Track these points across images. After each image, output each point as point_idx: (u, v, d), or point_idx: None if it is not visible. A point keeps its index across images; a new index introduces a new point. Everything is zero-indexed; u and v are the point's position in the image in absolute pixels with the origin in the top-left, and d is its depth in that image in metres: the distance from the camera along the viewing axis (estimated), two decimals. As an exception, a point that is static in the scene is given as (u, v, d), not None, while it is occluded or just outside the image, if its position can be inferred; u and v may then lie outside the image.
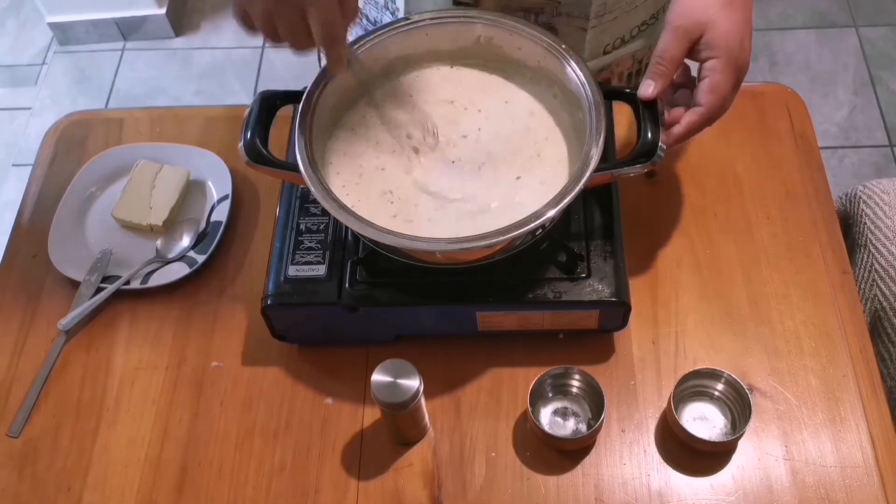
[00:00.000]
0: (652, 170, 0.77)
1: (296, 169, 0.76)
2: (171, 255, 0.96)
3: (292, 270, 0.84)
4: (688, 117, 0.77)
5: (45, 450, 0.86)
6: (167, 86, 2.38)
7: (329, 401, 0.88)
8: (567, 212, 0.79)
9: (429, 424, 0.85)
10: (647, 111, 0.78)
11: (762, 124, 1.04)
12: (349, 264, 0.84)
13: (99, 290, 0.94)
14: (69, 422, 0.88)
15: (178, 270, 0.95)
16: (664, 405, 0.85)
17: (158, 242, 0.97)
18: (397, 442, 0.85)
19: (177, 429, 0.87)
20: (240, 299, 0.94)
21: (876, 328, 0.95)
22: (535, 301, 0.82)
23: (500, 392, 0.87)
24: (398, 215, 0.79)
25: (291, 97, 0.82)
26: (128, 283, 0.94)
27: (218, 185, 1.01)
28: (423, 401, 0.79)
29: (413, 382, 0.75)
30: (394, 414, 0.77)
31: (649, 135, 0.77)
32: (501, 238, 0.72)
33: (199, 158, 1.03)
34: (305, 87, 0.81)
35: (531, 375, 0.82)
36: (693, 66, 0.80)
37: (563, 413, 0.84)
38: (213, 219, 0.99)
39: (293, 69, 2.37)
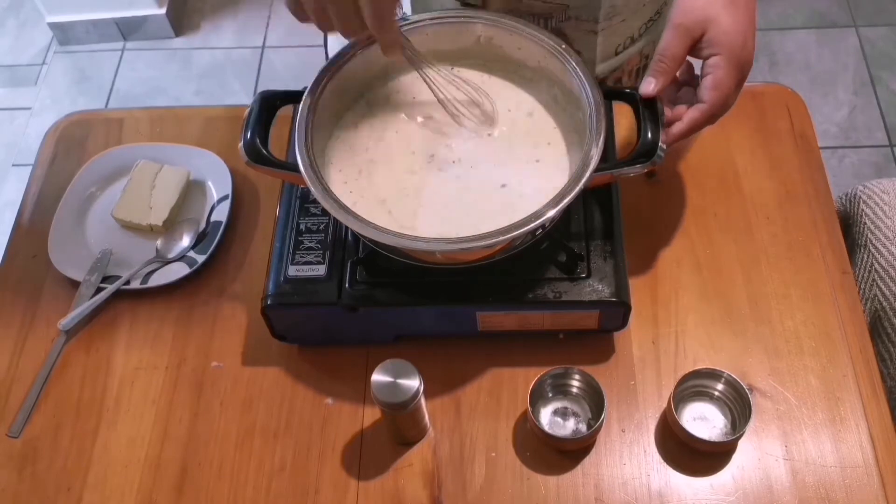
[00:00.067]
0: (652, 170, 0.77)
1: (296, 169, 0.76)
2: (171, 255, 0.96)
3: (292, 270, 0.84)
4: (690, 114, 0.77)
5: (45, 450, 0.86)
6: (167, 86, 2.38)
7: (329, 401, 0.88)
8: (567, 212, 0.79)
9: (429, 424, 0.85)
10: (647, 111, 0.78)
11: (762, 124, 1.04)
12: (349, 264, 0.84)
13: (99, 290, 0.94)
14: (69, 422, 0.88)
15: (178, 270, 0.95)
16: (664, 405, 0.85)
17: (158, 242, 0.97)
18: (397, 442, 0.85)
19: (177, 429, 0.87)
20: (240, 299, 0.94)
21: (876, 328, 0.95)
22: (535, 301, 0.82)
23: (500, 392, 0.87)
24: (399, 215, 0.79)
25: (291, 97, 0.82)
26: (128, 283, 0.94)
27: (218, 185, 1.01)
28: (423, 401, 0.79)
29: (413, 382, 0.75)
30: (394, 414, 0.77)
31: (649, 135, 0.77)
32: (501, 238, 0.72)
33: (199, 158, 1.03)
34: (305, 87, 0.81)
35: (531, 375, 0.82)
36: (696, 64, 0.80)
37: (563, 413, 0.84)
38: (213, 219, 0.99)
39: (293, 69, 2.37)
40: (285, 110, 0.83)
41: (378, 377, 0.75)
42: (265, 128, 0.80)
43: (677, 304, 0.91)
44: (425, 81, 0.82)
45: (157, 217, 0.98)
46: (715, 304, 0.91)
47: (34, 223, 1.02)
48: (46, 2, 2.36)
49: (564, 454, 0.83)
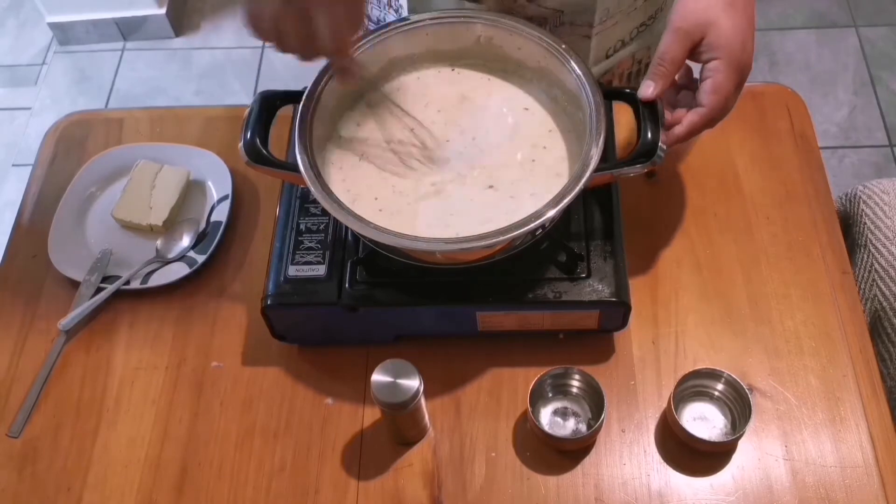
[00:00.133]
0: (652, 170, 0.77)
1: (296, 169, 0.76)
2: (171, 255, 0.96)
3: (292, 270, 0.84)
4: (690, 117, 0.77)
5: (45, 450, 0.86)
6: (167, 86, 2.38)
7: (329, 401, 0.88)
8: (567, 212, 0.79)
9: (429, 424, 0.85)
10: (648, 111, 0.78)
11: (762, 124, 1.04)
12: (349, 264, 0.84)
13: (99, 290, 0.94)
14: (69, 422, 0.88)
15: (178, 270, 0.95)
16: (664, 405, 0.85)
17: (158, 242, 0.97)
18: (397, 442, 0.85)
19: (177, 429, 0.87)
20: (240, 299, 0.94)
21: (876, 328, 0.95)
22: (535, 301, 0.82)
23: (500, 392, 0.87)
24: (399, 215, 0.79)
25: (291, 97, 0.82)
26: (128, 283, 0.94)
27: (218, 185, 1.01)
28: (423, 401, 0.79)
29: (413, 382, 0.75)
30: (394, 414, 0.77)
31: (649, 135, 0.77)
32: (501, 238, 0.72)
33: (199, 158, 1.03)
34: (305, 87, 0.82)
35: (531, 375, 0.82)
36: (695, 67, 0.80)
37: (563, 413, 0.84)
38: (213, 219, 0.99)
39: (293, 69, 2.34)
40: (285, 110, 0.83)
41: (378, 377, 0.75)
42: (265, 128, 0.80)
43: (677, 304, 0.91)
44: (370, 103, 0.84)
45: (157, 217, 0.98)
46: (715, 304, 0.91)
47: (34, 223, 1.02)
48: (46, 2, 2.36)
49: (564, 454, 0.83)
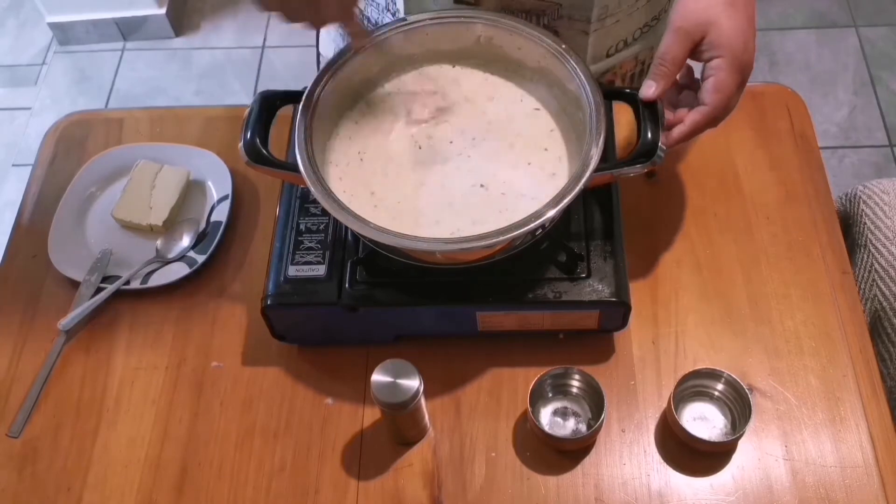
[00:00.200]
0: (652, 170, 0.77)
1: (296, 169, 0.76)
2: (171, 255, 0.96)
3: (292, 270, 0.84)
4: (692, 116, 0.77)
5: (45, 450, 0.86)
6: (167, 86, 2.38)
7: (329, 401, 0.88)
8: (567, 212, 0.79)
9: (429, 424, 0.85)
10: (648, 111, 0.78)
11: (762, 124, 1.04)
12: (349, 264, 0.84)
13: (99, 290, 0.94)
14: (69, 422, 0.88)
15: (178, 270, 0.95)
16: (664, 405, 0.85)
17: (158, 242, 0.97)
18: (397, 442, 0.85)
19: (177, 429, 0.87)
20: (240, 299, 0.94)
21: (876, 328, 0.95)
22: (535, 301, 0.82)
23: (500, 392, 0.87)
24: (398, 215, 0.79)
25: (291, 97, 0.82)
26: (128, 283, 0.94)
27: (218, 185, 1.01)
28: (423, 401, 0.79)
29: (413, 382, 0.75)
30: (394, 414, 0.77)
31: (649, 135, 0.77)
32: (501, 238, 0.72)
33: (199, 158, 1.03)
34: (305, 87, 0.81)
35: (531, 375, 0.82)
36: (696, 67, 0.80)
37: (563, 413, 0.84)
38: (213, 219, 0.99)
39: (293, 69, 2.37)
40: (285, 110, 0.83)
41: (378, 377, 0.75)
42: (265, 128, 0.80)
43: (677, 304, 0.91)
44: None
45: (157, 217, 0.98)
46: (715, 304, 0.91)
47: (34, 223, 1.02)
48: (46, 2, 2.36)
49: (564, 454, 0.83)
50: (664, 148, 0.76)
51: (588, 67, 0.80)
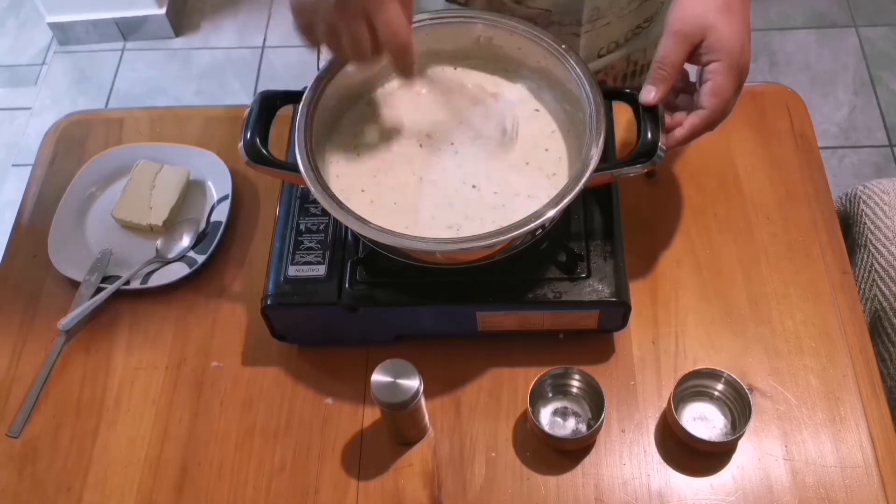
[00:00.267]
0: (652, 170, 0.77)
1: (296, 169, 0.76)
2: (171, 255, 0.96)
3: (292, 270, 0.84)
4: (690, 120, 0.77)
5: (45, 450, 0.86)
6: (167, 86, 2.38)
7: (329, 401, 0.88)
8: (567, 212, 0.79)
9: (429, 424, 0.85)
10: (647, 111, 0.78)
11: (762, 124, 1.04)
12: (349, 264, 0.84)
13: (99, 290, 0.94)
14: (69, 422, 0.88)
15: (178, 270, 0.95)
16: (664, 405, 0.85)
17: (158, 242, 0.97)
18: (397, 442, 0.85)
19: (177, 429, 0.87)
20: (240, 299, 0.94)
21: (876, 328, 0.95)
22: (535, 301, 0.82)
23: (500, 392, 0.87)
24: (398, 215, 0.79)
25: (291, 97, 0.82)
26: (128, 283, 0.94)
27: (218, 185, 1.01)
28: (423, 401, 0.79)
29: (413, 382, 0.75)
30: (394, 414, 0.77)
31: (649, 135, 0.77)
32: (501, 238, 0.72)
33: (199, 158, 1.03)
34: (305, 87, 0.81)
35: (531, 375, 0.82)
36: (692, 70, 0.80)
37: (563, 413, 0.84)
38: (213, 219, 0.99)
39: (293, 69, 2.37)
40: (285, 110, 0.83)
41: (378, 377, 0.75)
42: (265, 128, 0.80)
43: (677, 304, 0.91)
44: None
45: (157, 217, 0.98)
46: (715, 304, 0.91)
47: (34, 223, 1.02)
48: (46, 2, 2.36)
49: (564, 454, 0.83)
50: (664, 148, 0.76)
51: (588, 67, 0.80)
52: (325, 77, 0.81)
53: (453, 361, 0.88)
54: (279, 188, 0.90)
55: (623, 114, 0.90)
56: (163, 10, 2.40)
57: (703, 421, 0.83)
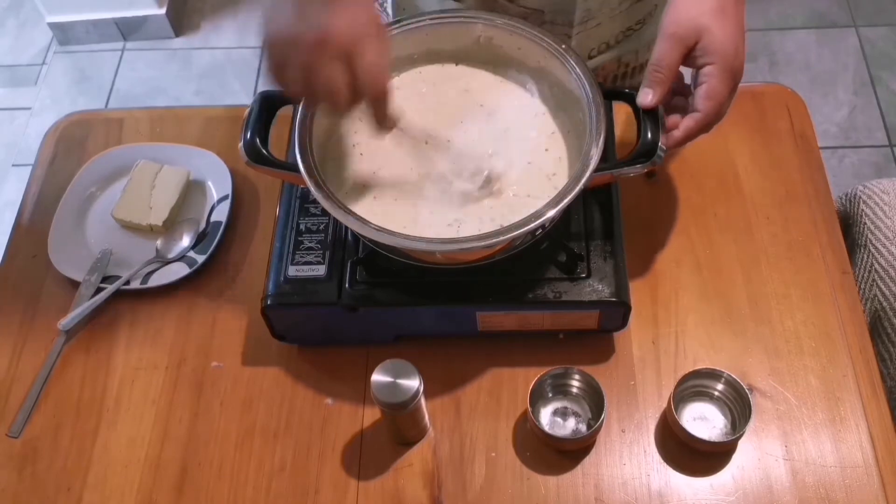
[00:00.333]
0: (652, 170, 0.77)
1: (296, 169, 0.76)
2: (171, 255, 0.96)
3: (292, 270, 0.84)
4: (686, 123, 0.77)
5: (45, 450, 0.86)
6: (167, 86, 2.38)
7: (329, 401, 0.88)
8: (567, 212, 0.79)
9: (429, 424, 0.85)
10: (647, 111, 0.78)
11: (762, 124, 1.04)
12: (349, 264, 0.84)
13: (99, 290, 0.94)
14: (69, 422, 0.88)
15: (178, 270, 0.95)
16: (664, 405, 0.85)
17: (158, 242, 0.97)
18: (397, 442, 0.85)
19: (177, 429, 0.87)
20: (240, 299, 0.94)
21: (876, 328, 0.95)
22: (535, 301, 0.82)
23: (500, 392, 0.87)
24: (398, 214, 0.79)
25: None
26: (128, 283, 0.94)
27: (218, 185, 1.01)
28: (423, 401, 0.79)
29: (413, 382, 0.75)
30: (394, 414, 0.77)
31: (649, 135, 0.77)
32: (501, 238, 0.72)
33: (199, 158, 1.03)
34: (305, 87, 0.81)
35: (531, 375, 0.82)
36: (686, 73, 0.80)
37: (563, 413, 0.84)
38: (213, 219, 0.99)
39: (293, 69, 2.37)
40: (285, 110, 0.83)
41: (378, 377, 0.75)
42: (265, 128, 0.80)
43: (677, 304, 0.91)
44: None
45: (157, 217, 0.98)
46: (715, 304, 0.91)
47: (34, 223, 1.02)
48: (46, 2, 2.36)
49: (564, 454, 0.83)
50: (664, 148, 0.76)
51: (588, 68, 0.80)
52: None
53: (453, 361, 0.88)
54: (279, 188, 0.90)
55: (623, 114, 0.90)
56: (163, 10, 2.40)
57: (703, 421, 0.83)
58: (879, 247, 0.99)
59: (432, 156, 0.83)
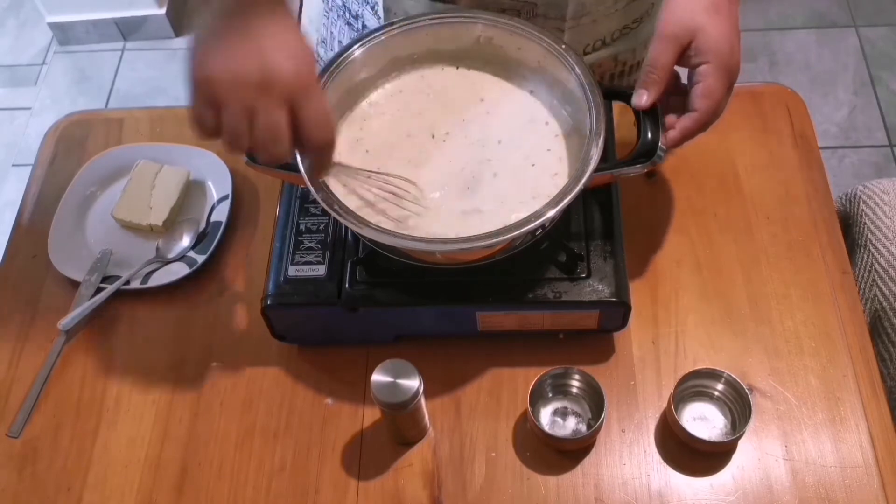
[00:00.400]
0: (652, 170, 0.77)
1: (296, 169, 0.76)
2: (171, 255, 0.96)
3: (292, 270, 0.84)
4: (682, 122, 0.77)
5: (45, 450, 0.86)
6: (167, 86, 2.38)
7: (329, 401, 0.88)
8: (567, 212, 0.79)
9: (429, 424, 0.85)
10: (647, 111, 0.78)
11: (762, 124, 1.04)
12: (349, 264, 0.84)
13: (99, 290, 0.94)
14: (69, 422, 0.88)
15: (178, 270, 0.95)
16: (664, 405, 0.85)
17: (158, 242, 0.97)
18: (397, 442, 0.85)
19: (177, 429, 0.87)
20: (240, 299, 0.94)
21: (876, 328, 0.95)
22: (535, 301, 0.82)
23: (500, 392, 0.87)
24: (398, 214, 0.79)
25: (291, 97, 0.82)
26: (128, 283, 0.94)
27: (218, 185, 1.01)
28: (423, 401, 0.79)
29: (413, 382, 0.75)
30: (394, 414, 0.77)
31: (649, 135, 0.77)
32: (501, 238, 0.72)
33: (199, 158, 1.03)
34: (305, 87, 0.81)
35: (531, 375, 0.82)
36: (682, 72, 0.80)
37: (563, 413, 0.84)
38: (213, 219, 0.99)
39: (293, 69, 2.37)
40: (285, 110, 0.82)
41: (378, 377, 0.75)
42: (265, 128, 0.80)
43: (677, 304, 0.91)
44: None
45: (157, 217, 0.98)
46: (715, 304, 0.91)
47: (34, 223, 1.02)
48: (46, 2, 2.36)
49: (564, 454, 0.83)
50: (664, 148, 0.76)
51: (588, 68, 0.80)
52: (326, 77, 0.81)
53: (453, 361, 0.88)
54: (279, 188, 0.90)
55: (623, 114, 0.90)
56: (163, 10, 2.40)
57: (703, 421, 0.83)
58: (879, 247, 0.99)
59: (433, 156, 0.83)
